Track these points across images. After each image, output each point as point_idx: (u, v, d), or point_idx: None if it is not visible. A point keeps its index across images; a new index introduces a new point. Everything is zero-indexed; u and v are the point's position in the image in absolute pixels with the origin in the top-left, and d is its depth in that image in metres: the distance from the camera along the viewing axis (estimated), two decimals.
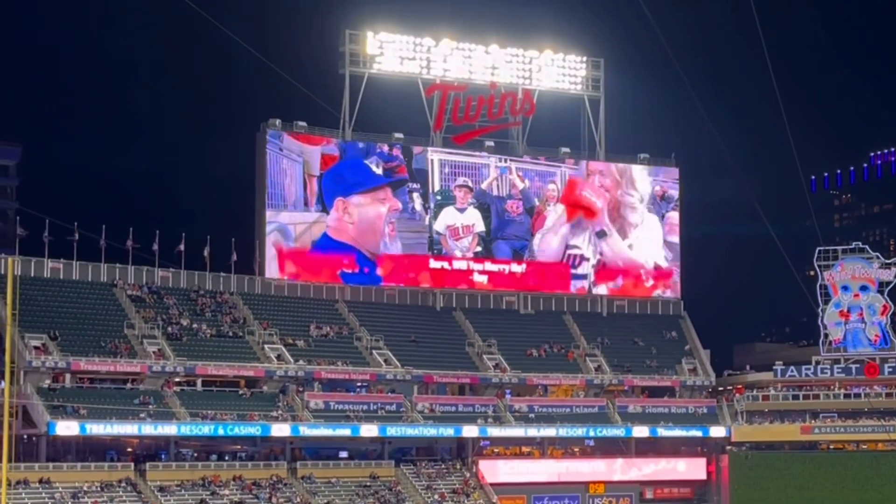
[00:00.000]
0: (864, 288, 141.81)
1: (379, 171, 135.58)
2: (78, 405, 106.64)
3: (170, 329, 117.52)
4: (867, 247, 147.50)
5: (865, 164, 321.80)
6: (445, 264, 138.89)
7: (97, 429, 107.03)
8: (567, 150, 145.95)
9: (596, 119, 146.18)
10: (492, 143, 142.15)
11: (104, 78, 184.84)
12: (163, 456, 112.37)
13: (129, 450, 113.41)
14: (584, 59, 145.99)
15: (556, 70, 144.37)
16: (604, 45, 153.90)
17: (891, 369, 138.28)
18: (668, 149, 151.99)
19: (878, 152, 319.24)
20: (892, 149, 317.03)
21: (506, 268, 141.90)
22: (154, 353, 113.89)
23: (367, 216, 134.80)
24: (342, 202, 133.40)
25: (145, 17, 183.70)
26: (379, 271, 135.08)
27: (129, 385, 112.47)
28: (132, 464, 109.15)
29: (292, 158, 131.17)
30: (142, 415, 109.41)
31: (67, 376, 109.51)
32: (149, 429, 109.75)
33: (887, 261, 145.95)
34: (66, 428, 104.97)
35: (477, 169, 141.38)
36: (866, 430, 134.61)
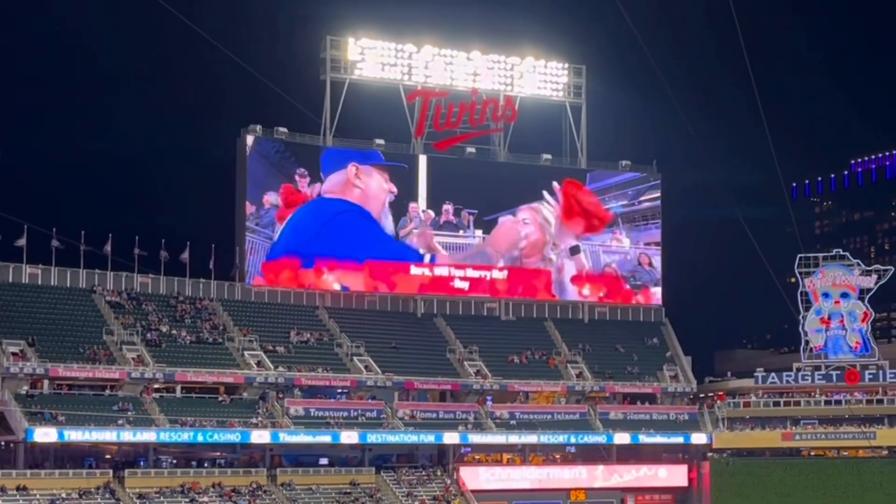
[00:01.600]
0: (844, 295, 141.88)
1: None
2: (56, 412, 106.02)
3: (149, 335, 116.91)
4: (848, 254, 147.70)
5: (846, 172, 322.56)
6: (426, 271, 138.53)
7: (75, 435, 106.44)
8: (549, 156, 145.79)
9: (578, 126, 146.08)
10: (473, 150, 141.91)
11: (84, 84, 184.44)
12: (142, 463, 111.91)
13: (108, 457, 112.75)
14: (566, 65, 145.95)
15: (537, 77, 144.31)
16: (586, 52, 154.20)
17: (871, 376, 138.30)
18: (649, 155, 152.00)
19: (859, 160, 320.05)
20: (873, 156, 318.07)
21: (487, 274, 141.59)
22: (133, 359, 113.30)
23: None
24: None
25: (125, 23, 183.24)
26: (359, 277, 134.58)
27: (107, 391, 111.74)
28: (111, 471, 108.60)
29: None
30: (120, 421, 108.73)
31: (45, 382, 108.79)
32: (128, 435, 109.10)
33: (868, 268, 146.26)
34: (45, 434, 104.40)
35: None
36: (847, 437, 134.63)
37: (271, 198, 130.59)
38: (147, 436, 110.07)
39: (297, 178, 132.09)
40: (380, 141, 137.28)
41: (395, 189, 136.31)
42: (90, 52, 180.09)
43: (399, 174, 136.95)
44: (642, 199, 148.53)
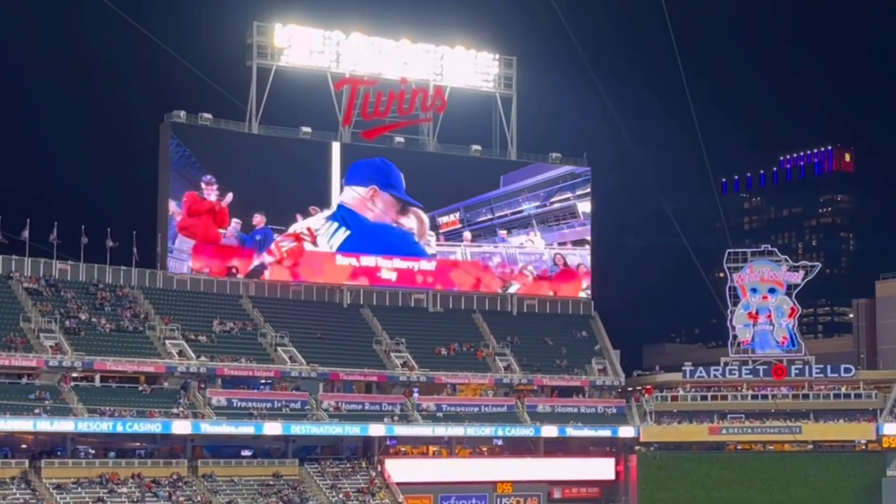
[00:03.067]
0: (772, 290, 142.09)
1: None
2: None
3: (67, 323, 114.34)
4: (776, 250, 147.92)
5: (775, 168, 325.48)
6: (353, 261, 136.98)
7: None
8: (478, 147, 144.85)
9: (508, 117, 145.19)
10: (402, 140, 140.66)
11: (2, 65, 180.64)
12: (59, 453, 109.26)
13: (24, 446, 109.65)
14: (497, 56, 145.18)
15: (468, 67, 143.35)
16: (517, 43, 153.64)
17: (797, 371, 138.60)
18: (580, 148, 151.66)
19: (789, 156, 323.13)
20: (802, 153, 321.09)
21: (415, 265, 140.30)
22: (51, 347, 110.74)
23: None
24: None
25: (44, 3, 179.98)
26: (283, 266, 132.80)
27: (24, 380, 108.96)
28: (27, 461, 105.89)
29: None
30: (37, 410, 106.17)
31: None
32: (44, 425, 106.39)
33: (795, 264, 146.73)
34: None
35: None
36: (773, 431, 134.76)
37: (172, 206, 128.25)
38: (65, 425, 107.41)
39: (202, 184, 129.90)
40: (306, 129, 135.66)
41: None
42: (7, 31, 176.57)
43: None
44: (554, 199, 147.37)
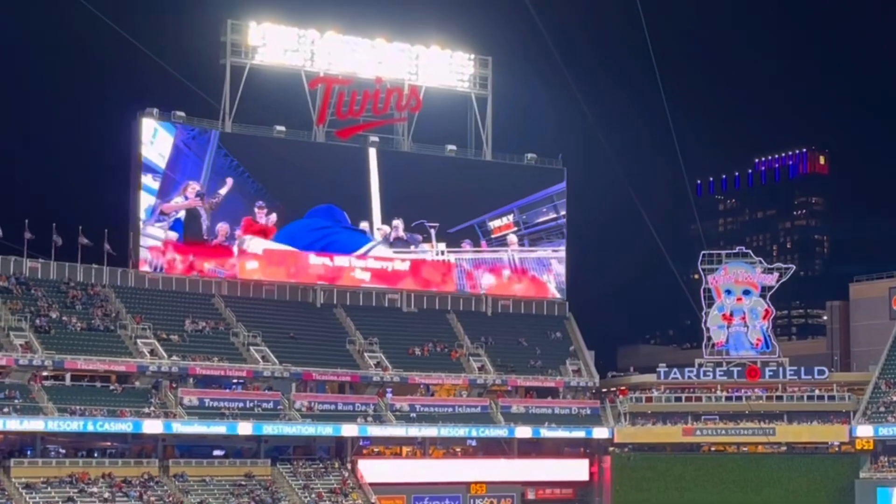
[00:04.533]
0: (746, 292, 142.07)
1: None
2: None
3: (38, 321, 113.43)
4: (750, 251, 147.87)
5: (750, 170, 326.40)
6: (327, 260, 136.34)
7: None
8: (453, 147, 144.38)
9: (483, 117, 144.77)
10: (376, 139, 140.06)
11: None
12: (29, 452, 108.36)
13: None
14: (472, 56, 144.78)
15: (443, 67, 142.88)
16: (492, 43, 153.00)
17: (771, 373, 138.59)
18: (555, 149, 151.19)
19: (763, 158, 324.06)
20: (777, 155, 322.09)
21: (389, 265, 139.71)
22: (21, 345, 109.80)
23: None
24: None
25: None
26: (254, 265, 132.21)
27: None
28: None
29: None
30: (6, 409, 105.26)
31: None
32: (14, 424, 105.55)
33: (770, 266, 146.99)
34: None
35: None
36: (747, 433, 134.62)
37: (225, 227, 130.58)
38: (34, 424, 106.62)
39: (256, 209, 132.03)
40: (280, 128, 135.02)
41: None
42: None
43: None
44: (543, 220, 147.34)
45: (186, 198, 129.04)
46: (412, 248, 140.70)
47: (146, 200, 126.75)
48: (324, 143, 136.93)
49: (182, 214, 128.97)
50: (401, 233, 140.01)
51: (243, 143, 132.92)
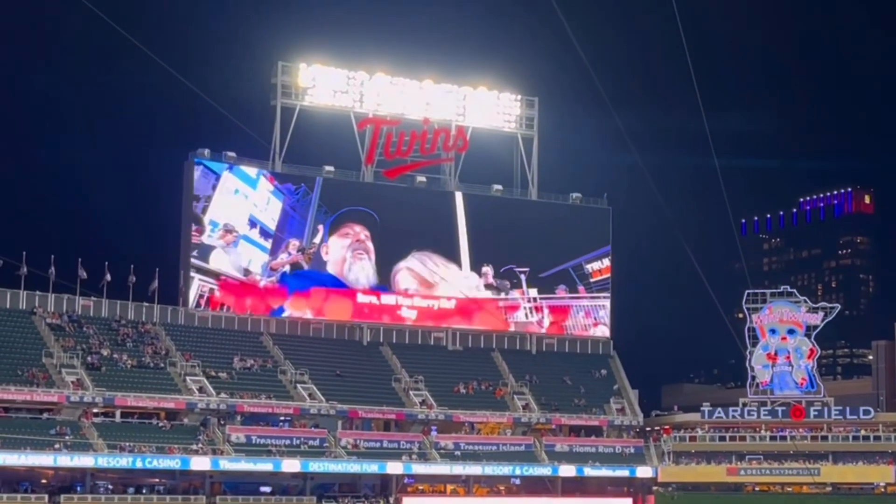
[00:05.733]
0: (791, 331, 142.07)
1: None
2: None
3: (89, 359, 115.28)
4: (795, 291, 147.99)
5: (795, 210, 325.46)
6: (374, 298, 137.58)
7: (11, 459, 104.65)
8: (500, 187, 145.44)
9: (529, 157, 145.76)
10: (424, 179, 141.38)
11: (29, 103, 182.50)
12: (78, 488, 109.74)
13: (44, 481, 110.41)
14: (519, 97, 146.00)
15: (490, 107, 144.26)
16: (539, 84, 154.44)
17: (816, 412, 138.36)
18: (600, 189, 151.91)
19: (808, 198, 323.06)
20: (821, 195, 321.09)
21: (435, 303, 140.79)
22: (72, 382, 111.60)
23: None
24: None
25: (73, 46, 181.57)
26: (305, 304, 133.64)
27: (45, 415, 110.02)
28: (46, 496, 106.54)
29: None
30: (57, 445, 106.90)
31: None
32: (65, 460, 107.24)
33: (814, 305, 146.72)
34: None
35: None
36: (791, 473, 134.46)
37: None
38: (85, 460, 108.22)
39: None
40: (329, 168, 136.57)
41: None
42: (40, 73, 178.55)
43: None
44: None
45: (290, 254, 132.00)
46: (502, 295, 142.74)
47: (253, 254, 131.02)
48: (410, 188, 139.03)
49: (287, 268, 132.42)
50: (490, 279, 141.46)
51: (339, 189, 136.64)
